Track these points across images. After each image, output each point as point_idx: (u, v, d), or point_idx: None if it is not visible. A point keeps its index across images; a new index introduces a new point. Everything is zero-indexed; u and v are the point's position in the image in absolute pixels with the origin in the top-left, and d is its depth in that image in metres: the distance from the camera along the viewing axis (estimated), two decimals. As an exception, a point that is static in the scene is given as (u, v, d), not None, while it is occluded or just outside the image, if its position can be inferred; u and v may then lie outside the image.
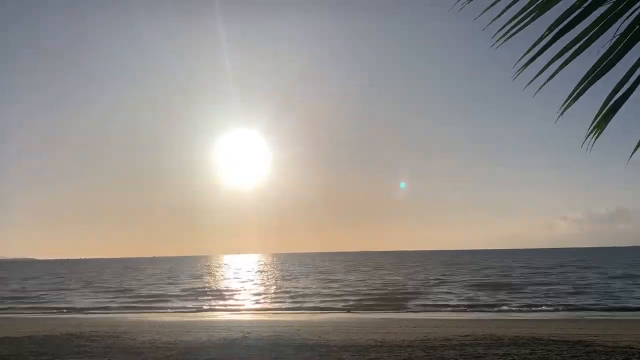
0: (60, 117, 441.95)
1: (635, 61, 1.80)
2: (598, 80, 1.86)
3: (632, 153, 1.93)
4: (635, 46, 1.78)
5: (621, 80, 1.85)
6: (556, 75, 1.96)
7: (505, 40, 2.02)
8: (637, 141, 1.85)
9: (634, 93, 1.83)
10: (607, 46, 1.83)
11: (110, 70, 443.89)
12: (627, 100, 1.83)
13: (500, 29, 2.00)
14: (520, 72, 1.98)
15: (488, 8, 2.00)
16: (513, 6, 1.96)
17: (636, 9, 1.75)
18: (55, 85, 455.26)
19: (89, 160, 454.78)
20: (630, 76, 1.83)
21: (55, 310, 29.47)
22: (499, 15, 1.98)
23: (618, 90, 1.88)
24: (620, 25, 1.80)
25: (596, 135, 1.95)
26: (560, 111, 2.00)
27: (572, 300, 27.80)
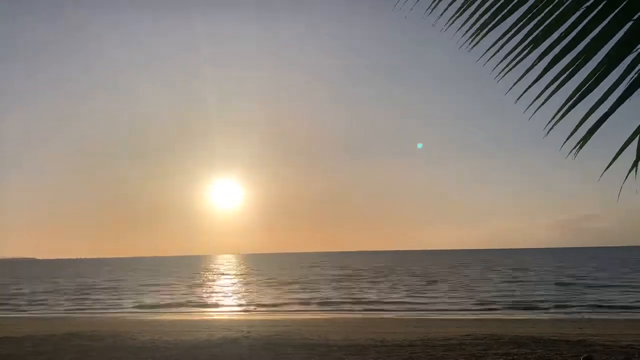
0: (60, 118, 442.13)
1: (618, 77, 1.96)
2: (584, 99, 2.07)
3: (604, 170, 2.04)
4: (617, 67, 1.96)
5: (604, 94, 2.00)
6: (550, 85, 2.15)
7: (504, 75, 2.25)
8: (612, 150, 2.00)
9: (616, 110, 1.98)
10: (590, 69, 2.02)
11: (114, 71, 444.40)
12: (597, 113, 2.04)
13: (499, 63, 2.26)
14: (519, 99, 2.17)
15: (489, 49, 2.28)
16: (510, 41, 2.23)
17: (620, 37, 1.93)
18: (55, 88, 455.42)
19: (89, 161, 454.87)
20: (613, 91, 1.98)
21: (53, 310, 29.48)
22: (497, 52, 2.26)
23: (602, 103, 2.01)
24: (604, 50, 1.97)
25: (580, 147, 2.08)
26: (547, 130, 2.15)
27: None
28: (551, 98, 2.14)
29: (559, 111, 2.10)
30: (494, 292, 33.29)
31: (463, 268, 70.09)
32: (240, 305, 31.06)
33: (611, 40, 1.95)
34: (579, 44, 2.04)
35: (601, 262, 78.43)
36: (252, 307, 29.02)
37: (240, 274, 54.41)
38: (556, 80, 2.12)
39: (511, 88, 2.20)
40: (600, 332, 14.48)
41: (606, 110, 1.99)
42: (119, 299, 34.56)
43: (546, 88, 2.14)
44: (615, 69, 1.97)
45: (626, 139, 1.97)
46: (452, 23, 2.34)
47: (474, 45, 2.33)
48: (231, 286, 45.51)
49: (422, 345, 11.19)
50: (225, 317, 25.29)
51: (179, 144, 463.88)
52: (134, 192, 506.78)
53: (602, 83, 2.01)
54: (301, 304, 29.92)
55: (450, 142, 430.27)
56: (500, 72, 2.27)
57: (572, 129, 2.06)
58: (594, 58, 2.01)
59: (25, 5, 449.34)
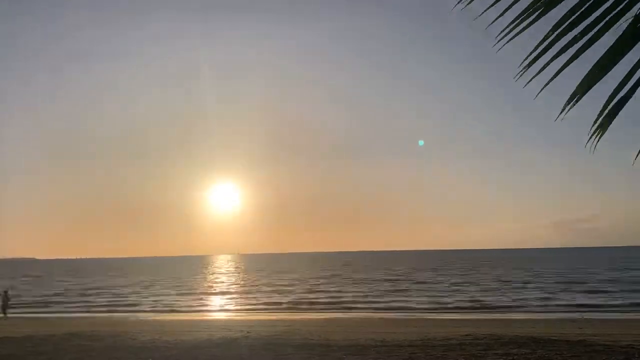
0: (60, 119, 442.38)
1: (638, 58, 1.81)
2: (600, 80, 1.84)
3: (635, 158, 1.89)
4: (638, 44, 1.78)
5: (625, 77, 1.85)
6: (559, 77, 1.93)
7: (508, 41, 1.96)
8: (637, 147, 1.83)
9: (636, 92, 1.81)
10: (609, 45, 1.81)
11: (114, 72, 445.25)
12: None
13: (504, 29, 1.94)
14: (523, 72, 1.93)
15: (488, 8, 1.95)
16: (516, 5, 1.91)
17: (638, 8, 1.75)
18: (55, 89, 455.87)
19: (89, 161, 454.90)
20: (634, 73, 1.84)
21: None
22: (501, 14, 1.91)
23: (621, 89, 1.87)
24: (621, 24, 1.80)
25: (599, 135, 1.91)
26: (564, 113, 1.95)
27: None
28: (563, 81, 1.91)
29: (574, 94, 1.88)
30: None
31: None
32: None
33: (628, 14, 1.77)
34: (592, 13, 1.83)
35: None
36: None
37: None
38: (563, 53, 1.89)
39: (520, 64, 1.94)
40: (600, 332, 14.47)
41: (624, 94, 1.82)
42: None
43: (551, 60, 1.89)
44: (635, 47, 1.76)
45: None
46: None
47: (469, 2, 2.02)
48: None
49: (422, 345, 11.17)
50: (225, 317, 25.26)
51: (179, 145, 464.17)
52: (134, 193, 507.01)
53: (619, 63, 1.80)
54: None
55: (449, 142, 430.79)
56: (501, 39, 1.98)
57: (594, 117, 1.87)
58: (611, 29, 1.81)
59: (26, 5, 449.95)
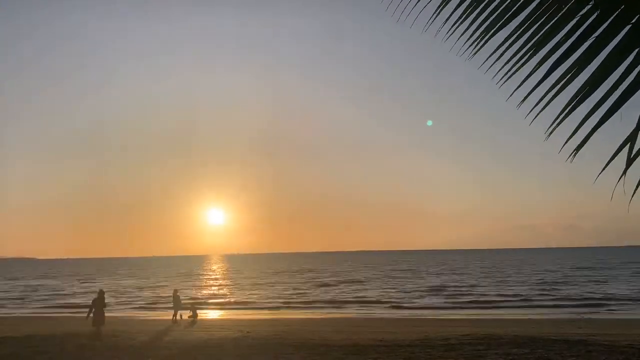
0: (60, 119, 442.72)
1: (615, 80, 2.02)
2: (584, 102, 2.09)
3: (598, 175, 2.06)
4: (619, 67, 2.00)
5: (600, 99, 2.04)
6: (548, 93, 2.21)
7: (506, 80, 2.34)
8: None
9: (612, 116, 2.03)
10: (588, 74, 2.08)
11: (117, 72, 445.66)
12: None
13: (500, 69, 2.33)
14: (521, 104, 2.25)
15: (490, 55, 2.35)
16: (512, 47, 2.32)
17: (618, 41, 1.98)
18: (54, 91, 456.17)
19: (89, 161, 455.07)
20: (609, 97, 2.02)
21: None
22: (498, 59, 2.34)
23: (598, 108, 2.05)
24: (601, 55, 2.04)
25: (577, 150, 2.13)
26: (548, 133, 2.19)
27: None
28: (550, 103, 2.19)
29: (559, 116, 2.14)
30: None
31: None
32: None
33: (609, 45, 2.01)
34: (578, 48, 2.11)
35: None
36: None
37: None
38: (556, 86, 2.18)
39: (512, 94, 2.25)
40: (600, 331, 14.49)
41: (602, 114, 2.03)
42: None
43: (546, 94, 2.20)
44: (612, 74, 2.01)
45: (616, 147, 1.99)
46: (454, 32, 2.43)
47: (475, 53, 2.41)
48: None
49: (422, 345, 11.18)
50: (225, 317, 25.27)
51: (179, 146, 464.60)
52: (135, 194, 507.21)
53: (599, 88, 2.05)
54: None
55: (429, 145, 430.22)
56: (501, 79, 2.35)
57: (569, 134, 2.11)
58: (592, 63, 2.08)
59: (25, 5, 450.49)
